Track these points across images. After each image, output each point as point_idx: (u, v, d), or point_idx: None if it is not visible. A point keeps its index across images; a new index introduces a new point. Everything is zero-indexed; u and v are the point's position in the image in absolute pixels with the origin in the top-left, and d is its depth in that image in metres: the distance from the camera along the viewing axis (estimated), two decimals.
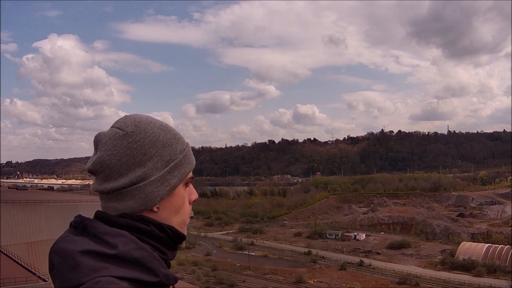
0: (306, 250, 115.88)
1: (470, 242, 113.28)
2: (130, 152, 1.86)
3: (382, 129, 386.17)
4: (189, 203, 2.09)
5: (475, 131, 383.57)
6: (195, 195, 2.09)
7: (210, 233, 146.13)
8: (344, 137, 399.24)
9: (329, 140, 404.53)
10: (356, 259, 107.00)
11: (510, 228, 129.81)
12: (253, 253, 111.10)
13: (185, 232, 2.04)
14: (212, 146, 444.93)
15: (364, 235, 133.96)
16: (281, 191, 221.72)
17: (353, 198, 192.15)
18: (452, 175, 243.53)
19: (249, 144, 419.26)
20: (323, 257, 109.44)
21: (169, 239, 1.93)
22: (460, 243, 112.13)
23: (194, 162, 2.07)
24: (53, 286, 1.78)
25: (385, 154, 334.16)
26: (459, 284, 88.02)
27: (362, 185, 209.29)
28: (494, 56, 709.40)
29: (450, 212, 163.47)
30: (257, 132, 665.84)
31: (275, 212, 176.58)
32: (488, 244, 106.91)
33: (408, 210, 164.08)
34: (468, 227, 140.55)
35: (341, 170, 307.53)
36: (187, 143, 2.07)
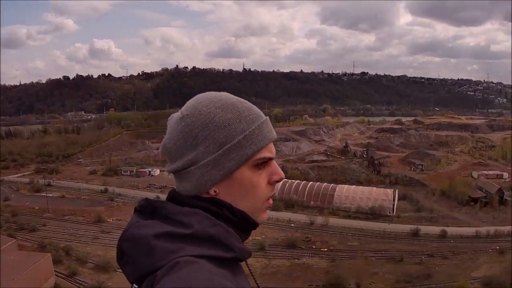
0: (103, 188, 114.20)
1: None
2: (182, 135, 1.85)
3: (177, 65, 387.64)
4: (271, 184, 1.94)
5: (271, 70, 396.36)
6: (277, 175, 1.94)
7: (6, 176, 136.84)
8: (139, 73, 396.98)
9: (123, 76, 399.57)
10: (152, 194, 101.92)
11: (305, 164, 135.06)
12: (50, 194, 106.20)
13: (259, 218, 1.96)
14: (7, 84, 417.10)
15: (158, 170, 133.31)
16: (75, 129, 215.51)
17: (147, 133, 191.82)
18: None
19: (44, 81, 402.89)
20: (120, 195, 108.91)
21: (240, 224, 1.88)
22: None
23: (267, 141, 1.89)
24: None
25: (179, 90, 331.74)
26: None
27: (155, 120, 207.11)
28: (299, 1, 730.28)
29: None
30: (52, 68, 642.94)
31: (69, 150, 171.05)
32: (284, 179, 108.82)
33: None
34: None
35: (135, 106, 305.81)
36: (260, 121, 1.89)
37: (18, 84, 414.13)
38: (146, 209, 1.84)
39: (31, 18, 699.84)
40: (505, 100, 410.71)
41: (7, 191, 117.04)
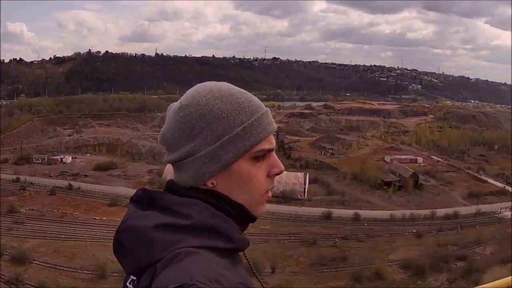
0: (14, 177, 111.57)
1: None
2: (180, 126, 1.82)
3: (90, 50, 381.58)
4: (270, 177, 1.91)
5: (183, 55, 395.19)
6: (277, 168, 1.91)
7: None
8: (51, 57, 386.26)
9: (35, 60, 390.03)
10: (64, 182, 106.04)
11: None
12: None
13: (258, 211, 1.94)
14: None
15: (70, 157, 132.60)
16: None
17: (58, 120, 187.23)
18: (157, 96, 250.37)
19: None
20: (32, 183, 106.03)
21: (238, 216, 1.86)
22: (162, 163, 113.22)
23: (267, 134, 1.86)
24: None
25: (91, 75, 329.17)
26: None
27: (67, 106, 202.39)
28: None
29: (155, 133, 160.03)
30: None
31: None
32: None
33: (113, 131, 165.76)
34: None
35: (46, 91, 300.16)
36: (260, 112, 1.87)
37: None
38: (143, 200, 1.83)
39: None
40: (419, 86, 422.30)
41: None
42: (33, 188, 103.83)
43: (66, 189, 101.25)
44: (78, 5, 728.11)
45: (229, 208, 1.81)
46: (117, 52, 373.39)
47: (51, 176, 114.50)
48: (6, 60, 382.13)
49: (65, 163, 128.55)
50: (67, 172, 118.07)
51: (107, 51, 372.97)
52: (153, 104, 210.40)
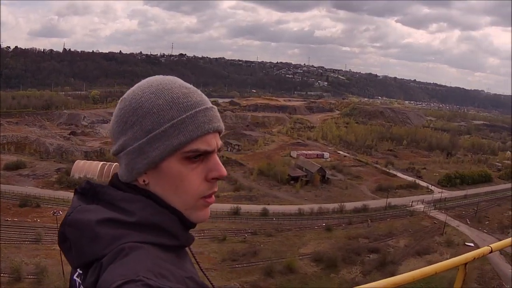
0: None
1: (85, 160, 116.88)
2: (118, 119, 1.75)
3: None
4: (208, 181, 1.76)
5: (91, 51, 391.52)
6: (216, 172, 1.76)
7: None
8: None
9: None
10: None
11: None
12: None
13: (194, 216, 1.79)
14: None
15: None
16: None
17: None
18: (64, 93, 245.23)
19: None
20: None
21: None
22: (75, 161, 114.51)
23: (201, 132, 1.70)
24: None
25: (0, 71, 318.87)
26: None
27: None
28: None
29: (62, 131, 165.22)
30: None
31: None
32: (102, 162, 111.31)
33: (21, 129, 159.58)
34: (81, 145, 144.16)
35: None
36: (196, 109, 1.72)
37: None
38: (88, 192, 1.77)
39: None
40: (326, 83, 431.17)
41: None
42: None
43: None
44: None
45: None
46: (26, 48, 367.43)
47: None
48: None
49: None
50: None
51: (16, 47, 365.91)
52: (60, 101, 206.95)
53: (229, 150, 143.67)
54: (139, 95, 1.72)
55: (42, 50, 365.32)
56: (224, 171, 1.78)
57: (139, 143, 1.68)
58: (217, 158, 1.79)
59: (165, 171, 1.71)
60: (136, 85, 1.79)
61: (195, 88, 1.81)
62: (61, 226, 1.68)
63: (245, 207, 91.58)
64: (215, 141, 1.76)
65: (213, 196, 1.83)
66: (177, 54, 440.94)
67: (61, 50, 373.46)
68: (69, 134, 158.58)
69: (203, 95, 1.81)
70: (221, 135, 1.84)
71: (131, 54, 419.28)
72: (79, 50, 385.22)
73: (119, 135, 1.74)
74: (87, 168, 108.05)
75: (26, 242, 71.30)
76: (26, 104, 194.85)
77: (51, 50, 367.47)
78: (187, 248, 1.84)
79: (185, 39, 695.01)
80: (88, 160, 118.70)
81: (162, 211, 1.68)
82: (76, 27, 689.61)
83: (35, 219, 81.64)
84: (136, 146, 1.69)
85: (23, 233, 74.22)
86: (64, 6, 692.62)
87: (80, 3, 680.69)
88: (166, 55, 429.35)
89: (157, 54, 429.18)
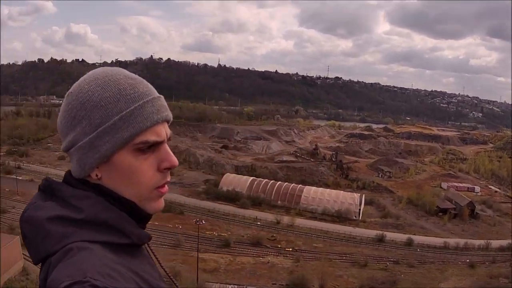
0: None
1: (234, 174, 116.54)
2: (66, 114, 1.74)
3: (152, 56, 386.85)
4: (160, 171, 1.78)
5: (247, 68, 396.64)
6: (168, 162, 1.78)
7: None
8: (113, 60, 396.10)
9: (97, 62, 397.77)
10: None
11: (274, 164, 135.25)
12: (20, 178, 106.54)
13: (149, 207, 1.83)
14: None
15: None
16: (46, 113, 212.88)
17: None
18: (218, 107, 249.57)
19: (20, 62, 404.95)
20: None
21: (129, 212, 1.76)
22: (224, 174, 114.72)
23: (150, 123, 1.72)
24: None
25: (152, 81, 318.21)
26: (223, 215, 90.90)
27: None
28: (280, 1, 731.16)
29: (214, 143, 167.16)
30: (29, 50, 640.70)
31: (40, 135, 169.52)
32: (252, 177, 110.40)
33: (172, 138, 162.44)
34: (232, 159, 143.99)
35: None
36: (143, 100, 1.73)
37: None
38: (47, 189, 1.76)
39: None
40: (480, 114, 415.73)
41: None
42: None
43: None
44: (141, 10, 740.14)
45: (118, 206, 1.73)
46: (180, 60, 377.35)
47: None
48: (69, 60, 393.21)
49: None
50: None
51: (169, 59, 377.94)
52: (213, 115, 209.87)
53: (380, 176, 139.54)
54: (86, 88, 1.71)
55: (196, 64, 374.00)
56: (175, 160, 1.79)
57: (89, 138, 1.68)
58: (168, 148, 1.80)
59: (117, 164, 1.71)
60: (82, 78, 1.79)
61: (141, 79, 1.82)
62: (20, 222, 1.70)
63: (390, 235, 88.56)
64: (165, 131, 1.78)
65: (166, 186, 1.84)
66: (333, 77, 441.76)
67: (215, 65, 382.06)
68: (221, 148, 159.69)
69: (149, 85, 1.81)
70: (169, 124, 1.83)
71: (287, 74, 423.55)
72: (234, 66, 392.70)
73: (68, 131, 1.74)
74: (236, 182, 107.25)
75: (164, 246, 72.57)
76: (178, 115, 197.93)
77: (206, 65, 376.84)
78: (148, 249, 1.89)
79: (340, 62, 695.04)
80: (237, 174, 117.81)
81: (111, 208, 1.69)
82: (231, 44, 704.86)
83: (177, 225, 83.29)
84: (86, 141, 1.69)
85: (163, 237, 75.35)
86: (219, 23, 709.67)
87: (235, 21, 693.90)
88: (322, 78, 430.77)
89: (313, 76, 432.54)
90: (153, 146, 1.74)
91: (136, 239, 1.70)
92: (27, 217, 1.66)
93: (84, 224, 1.59)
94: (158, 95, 1.81)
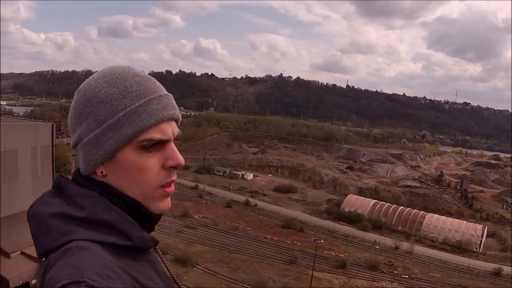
0: (194, 184, 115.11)
1: (357, 196, 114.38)
2: (74, 111, 1.73)
3: (281, 74, 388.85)
4: (165, 169, 1.73)
5: (375, 90, 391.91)
6: (173, 160, 1.72)
7: None
8: (242, 76, 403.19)
9: (226, 77, 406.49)
10: (242, 198, 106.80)
11: (397, 188, 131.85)
12: None
13: (153, 206, 1.77)
14: None
15: (251, 175, 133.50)
16: None
17: (244, 137, 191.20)
18: (345, 128, 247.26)
19: (147, 72, 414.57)
20: (210, 193, 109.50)
21: (133, 213, 1.72)
22: (347, 195, 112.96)
23: (155, 121, 1.67)
24: None
25: (281, 98, 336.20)
26: (343, 236, 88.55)
27: (255, 125, 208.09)
28: (408, 22, 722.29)
29: (339, 164, 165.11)
30: (156, 61, 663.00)
31: None
32: (375, 200, 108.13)
33: (298, 156, 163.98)
34: (356, 180, 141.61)
35: (235, 108, 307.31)
36: (149, 97, 1.70)
37: None
38: (57, 186, 1.75)
39: (138, 10, 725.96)
40: None
41: None
42: (210, 198, 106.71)
43: (242, 204, 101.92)
44: (271, 28, 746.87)
45: (121, 203, 1.70)
46: (308, 79, 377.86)
47: (229, 190, 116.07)
48: (198, 74, 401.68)
49: (245, 179, 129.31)
50: (246, 188, 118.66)
51: (298, 77, 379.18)
52: (340, 135, 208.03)
53: (504, 208, 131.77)
54: (93, 85, 1.70)
55: (325, 84, 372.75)
56: (181, 159, 1.76)
57: (94, 134, 1.67)
58: (174, 147, 1.76)
59: (121, 161, 1.69)
60: (91, 76, 1.77)
61: (149, 76, 1.79)
62: (27, 216, 1.69)
63: (508, 269, 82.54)
64: (171, 130, 1.74)
65: (172, 185, 1.80)
66: (461, 102, 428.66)
67: (344, 85, 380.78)
68: (346, 168, 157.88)
69: (157, 83, 1.79)
70: (178, 124, 1.80)
71: (415, 97, 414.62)
72: (362, 88, 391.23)
73: (76, 127, 1.74)
74: (359, 204, 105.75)
75: (280, 261, 73.03)
76: (306, 133, 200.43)
77: (334, 85, 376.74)
78: (156, 253, 1.87)
79: (469, 87, 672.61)
80: (360, 196, 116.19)
81: (114, 209, 1.67)
82: (359, 65, 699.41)
83: (295, 242, 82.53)
84: (91, 137, 1.68)
85: (280, 252, 76.23)
86: (347, 43, 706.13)
87: (364, 42, 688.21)
88: (450, 102, 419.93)
89: (441, 100, 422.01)
90: (159, 144, 1.70)
91: (138, 241, 1.66)
92: (33, 212, 1.66)
93: (85, 223, 1.58)
94: (166, 93, 1.78)
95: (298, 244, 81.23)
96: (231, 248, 76.44)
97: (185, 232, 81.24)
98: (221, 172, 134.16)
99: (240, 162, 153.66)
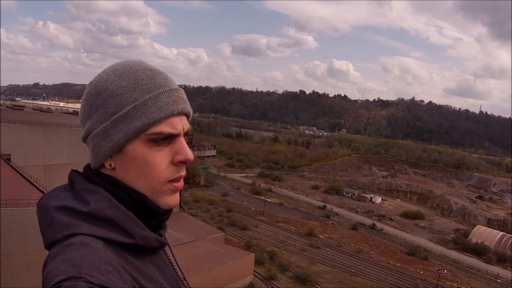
0: (321, 204, 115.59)
1: (485, 227, 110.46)
2: (84, 104, 1.75)
3: (413, 97, 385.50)
4: (174, 164, 1.73)
5: (508, 117, 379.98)
6: (182, 155, 1.73)
7: (230, 174, 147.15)
8: (374, 99, 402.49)
9: (359, 99, 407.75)
10: (368, 221, 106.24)
11: None
12: (269, 200, 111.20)
13: (161, 201, 1.77)
14: (243, 89, 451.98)
15: (380, 198, 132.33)
16: (305, 142, 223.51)
17: (375, 160, 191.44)
18: (477, 155, 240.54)
19: (280, 91, 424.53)
20: (337, 214, 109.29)
21: (138, 207, 1.72)
22: (475, 225, 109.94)
23: (165, 114, 1.68)
24: None
25: (413, 123, 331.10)
26: (467, 267, 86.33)
27: (386, 148, 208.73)
28: None
29: (470, 193, 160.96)
30: (289, 81, 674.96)
31: (296, 162, 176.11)
32: (503, 233, 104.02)
33: (428, 182, 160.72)
34: (486, 211, 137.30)
35: (367, 131, 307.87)
36: (160, 90, 1.71)
37: (254, 90, 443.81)
38: (70, 180, 1.77)
39: (271, 30, 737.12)
40: None
41: (227, 187, 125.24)
42: (337, 218, 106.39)
43: (368, 228, 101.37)
44: (403, 51, 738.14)
45: (126, 197, 1.71)
46: (441, 104, 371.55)
47: (357, 212, 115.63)
48: (331, 95, 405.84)
49: (373, 202, 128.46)
50: (373, 211, 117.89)
51: (430, 101, 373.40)
52: (472, 163, 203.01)
53: None
54: (104, 78, 1.71)
55: (457, 109, 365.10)
56: (190, 154, 1.75)
57: (103, 126, 1.68)
58: (183, 142, 1.75)
59: (130, 154, 1.69)
60: (103, 69, 1.77)
61: (160, 71, 1.78)
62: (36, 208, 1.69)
63: None
64: (181, 124, 1.74)
65: (181, 180, 1.79)
66: None
67: (476, 111, 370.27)
68: (476, 198, 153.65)
69: (169, 77, 1.78)
70: (189, 119, 1.78)
71: None
72: (495, 114, 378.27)
73: (86, 120, 1.74)
74: (486, 235, 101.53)
75: None
76: (437, 159, 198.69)
77: (467, 110, 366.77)
78: (167, 255, 1.88)
79: None
80: (489, 227, 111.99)
81: (117, 206, 1.65)
82: (493, 90, 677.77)
83: (418, 270, 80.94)
84: (101, 130, 1.68)
85: (401, 279, 75.27)
86: (480, 67, 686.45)
87: (497, 66, 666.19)
88: None
89: None
90: (168, 138, 1.71)
91: (141, 240, 1.64)
92: (40, 204, 1.67)
93: (88, 218, 1.58)
94: (177, 87, 1.77)
95: (421, 272, 79.96)
96: (353, 270, 76.42)
97: (308, 251, 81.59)
98: (350, 193, 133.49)
99: (369, 185, 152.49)
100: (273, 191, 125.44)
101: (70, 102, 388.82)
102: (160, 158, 1.70)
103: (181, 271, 1.90)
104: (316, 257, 79.65)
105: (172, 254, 1.91)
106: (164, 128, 1.67)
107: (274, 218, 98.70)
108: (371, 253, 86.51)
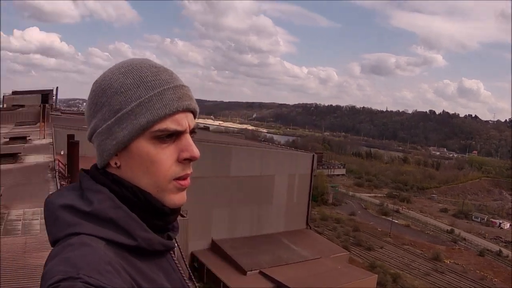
0: (449, 228, 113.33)
1: None
2: (89, 102, 1.72)
3: None
4: (180, 162, 1.67)
5: None
6: (188, 153, 1.67)
7: (358, 193, 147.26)
8: (506, 119, 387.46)
9: (490, 120, 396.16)
10: (495, 247, 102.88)
11: None
12: (396, 221, 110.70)
13: (167, 200, 1.70)
14: (373, 108, 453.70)
15: (508, 224, 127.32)
16: (434, 164, 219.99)
17: (506, 184, 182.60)
18: None
19: (410, 111, 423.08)
20: (465, 239, 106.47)
21: (143, 206, 1.68)
22: None
23: (169, 111, 1.62)
24: None
25: None
26: None
27: None
28: None
29: None
30: (419, 100, 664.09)
31: (425, 184, 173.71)
32: None
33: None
34: None
35: (498, 153, 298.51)
36: (164, 87, 1.65)
37: (384, 110, 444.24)
38: (79, 180, 1.74)
39: (399, 49, 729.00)
40: None
41: (355, 206, 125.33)
42: (464, 243, 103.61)
43: (495, 254, 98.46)
44: None
45: (130, 196, 1.66)
46: None
47: (485, 238, 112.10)
48: (461, 115, 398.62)
49: (502, 228, 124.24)
50: (501, 237, 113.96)
51: None
52: None
53: None
54: (109, 76, 1.68)
55: None
56: (196, 151, 1.69)
57: (107, 124, 1.65)
58: (190, 139, 1.70)
59: (135, 151, 1.65)
60: (109, 68, 1.75)
61: (165, 68, 1.73)
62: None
63: None
64: (187, 121, 1.68)
65: (187, 178, 1.73)
66: None
67: None
68: None
69: (174, 74, 1.74)
70: (196, 117, 1.76)
71: None
72: None
73: (91, 118, 1.72)
74: None
75: None
76: None
77: None
78: (175, 259, 1.84)
79: None
80: None
81: (120, 207, 1.62)
82: None
83: None
84: (105, 127, 1.66)
85: None
86: None
87: None
88: None
89: None
90: (174, 136, 1.66)
91: (143, 242, 1.60)
92: (47, 202, 1.66)
93: (91, 217, 1.55)
94: (182, 84, 1.72)
95: None
96: None
97: (432, 275, 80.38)
98: (479, 218, 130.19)
99: (499, 210, 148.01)
100: (400, 212, 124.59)
101: (201, 118, 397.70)
102: (166, 156, 1.65)
103: (188, 274, 1.86)
104: (440, 282, 78.57)
105: (182, 257, 1.88)
106: (169, 124, 1.63)
107: (400, 240, 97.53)
108: (495, 280, 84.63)
